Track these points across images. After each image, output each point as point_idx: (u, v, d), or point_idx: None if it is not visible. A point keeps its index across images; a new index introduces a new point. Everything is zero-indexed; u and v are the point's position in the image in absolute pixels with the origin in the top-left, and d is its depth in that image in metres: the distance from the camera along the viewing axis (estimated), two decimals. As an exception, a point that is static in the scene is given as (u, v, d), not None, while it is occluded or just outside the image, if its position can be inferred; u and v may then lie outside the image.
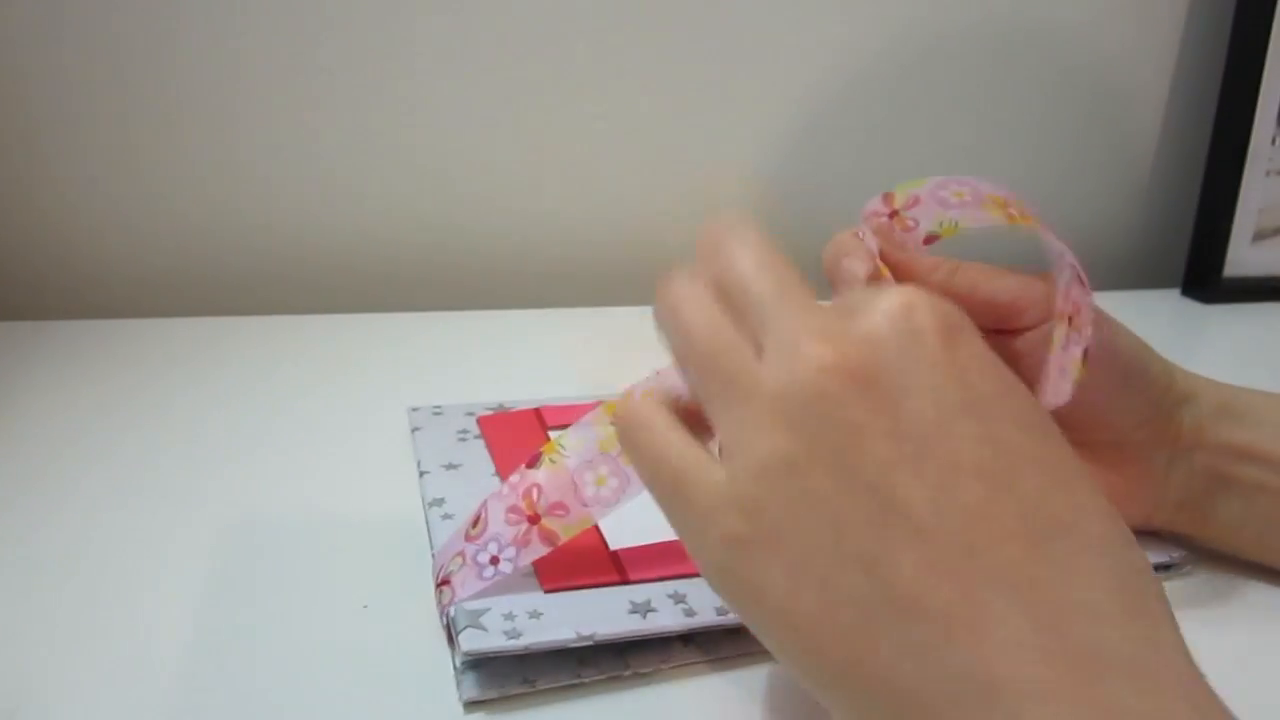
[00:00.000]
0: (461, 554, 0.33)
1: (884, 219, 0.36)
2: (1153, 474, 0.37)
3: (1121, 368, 0.35)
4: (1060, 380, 0.33)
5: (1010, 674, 0.20)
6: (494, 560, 0.32)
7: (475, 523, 0.33)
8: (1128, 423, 0.36)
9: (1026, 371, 0.34)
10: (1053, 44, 0.75)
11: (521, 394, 0.49)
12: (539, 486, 0.32)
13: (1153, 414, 0.36)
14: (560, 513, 0.32)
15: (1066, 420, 0.36)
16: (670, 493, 0.26)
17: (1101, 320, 0.35)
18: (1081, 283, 0.33)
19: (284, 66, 0.62)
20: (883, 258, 0.34)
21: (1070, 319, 0.33)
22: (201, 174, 0.63)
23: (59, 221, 0.63)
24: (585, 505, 0.32)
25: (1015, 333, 0.35)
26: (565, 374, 0.55)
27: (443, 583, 0.33)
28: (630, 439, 0.27)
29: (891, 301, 0.24)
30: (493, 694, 0.29)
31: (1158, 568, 0.38)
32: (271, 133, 0.63)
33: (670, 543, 0.31)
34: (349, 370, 0.55)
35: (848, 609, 0.22)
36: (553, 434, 0.43)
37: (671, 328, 0.27)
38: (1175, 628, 0.22)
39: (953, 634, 0.21)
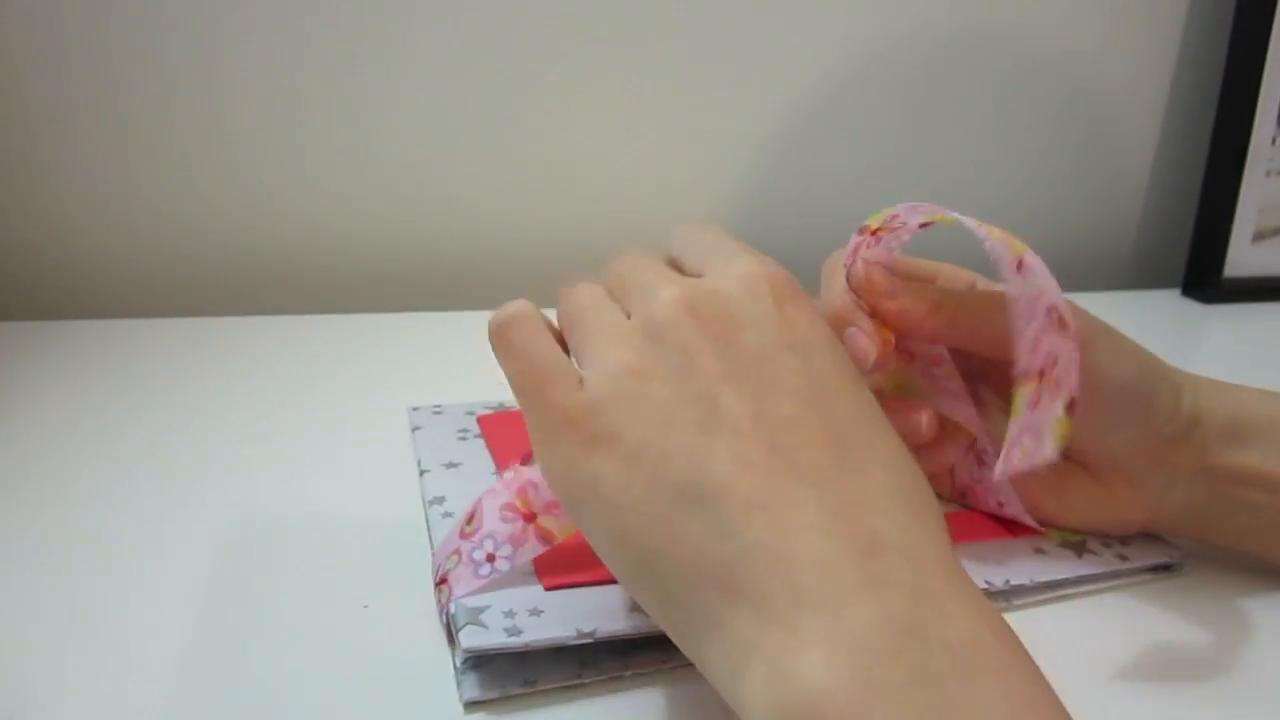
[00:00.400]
0: (457, 552, 0.32)
1: (868, 236, 0.35)
2: (1148, 494, 0.36)
3: (1119, 404, 0.34)
4: (1033, 443, 0.31)
5: (797, 549, 0.23)
6: (490, 558, 0.32)
7: (470, 519, 0.33)
8: (1122, 451, 0.36)
9: None
10: (1053, 46, 0.75)
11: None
12: (534, 484, 0.32)
13: (1152, 443, 0.35)
14: (556, 511, 0.32)
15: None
16: (534, 392, 0.28)
17: (1108, 348, 0.34)
18: (1062, 325, 0.31)
19: (283, 68, 0.62)
20: (872, 310, 0.35)
21: (1042, 373, 0.31)
22: (200, 175, 0.63)
23: (57, 222, 0.63)
24: None
25: None
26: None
27: (440, 581, 0.33)
28: (504, 335, 0.29)
29: (741, 267, 0.28)
30: (493, 694, 0.29)
31: (1157, 568, 0.38)
32: (271, 134, 0.63)
33: None
34: (349, 370, 0.54)
35: (667, 495, 0.25)
36: None
37: (563, 310, 0.31)
38: (946, 536, 0.25)
39: (752, 514, 0.24)
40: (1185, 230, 0.78)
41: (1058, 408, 0.31)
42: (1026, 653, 0.23)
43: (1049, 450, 0.31)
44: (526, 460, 0.32)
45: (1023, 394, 0.32)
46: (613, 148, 0.69)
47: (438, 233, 0.68)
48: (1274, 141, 0.74)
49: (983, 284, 0.37)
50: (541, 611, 0.31)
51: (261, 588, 0.35)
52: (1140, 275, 0.84)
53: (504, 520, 0.32)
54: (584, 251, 0.71)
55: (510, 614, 0.30)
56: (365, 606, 0.34)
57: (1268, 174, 0.75)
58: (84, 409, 0.48)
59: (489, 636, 0.29)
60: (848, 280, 0.36)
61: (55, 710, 0.29)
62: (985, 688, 0.21)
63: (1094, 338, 0.34)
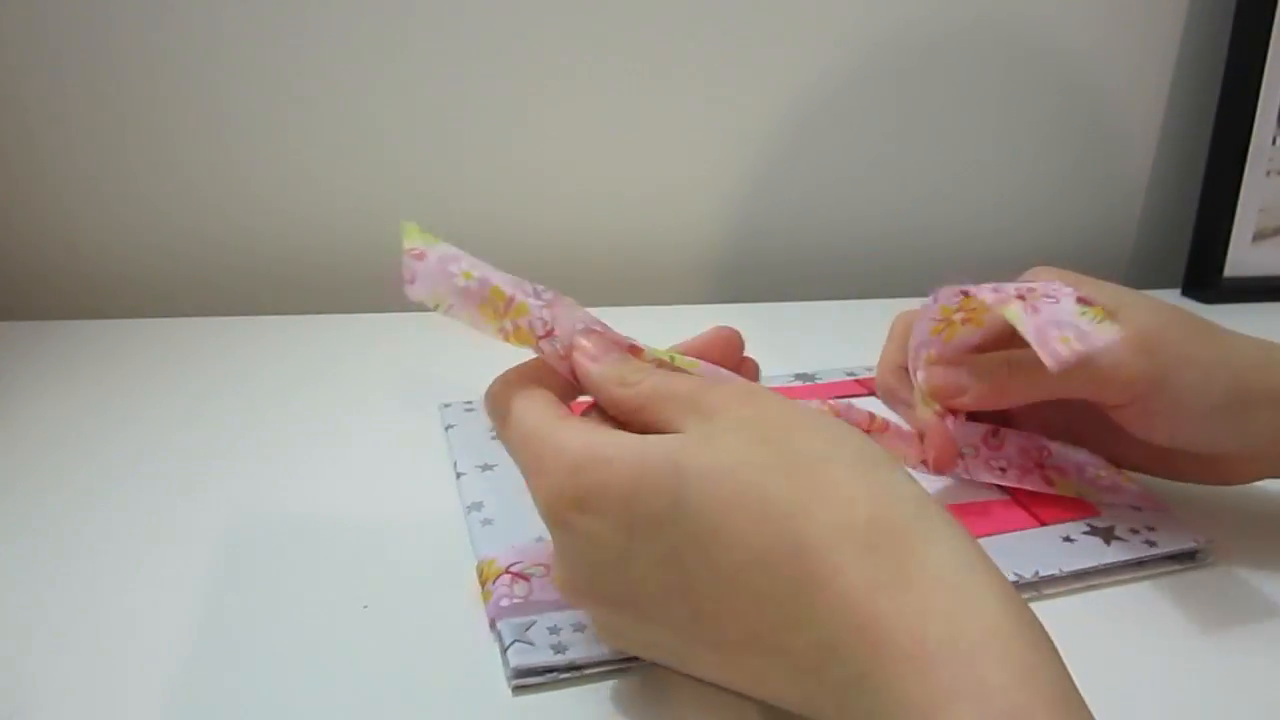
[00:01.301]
0: (546, 566, 0.33)
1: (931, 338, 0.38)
2: (1255, 465, 0.38)
3: (1208, 427, 0.36)
4: (1074, 334, 0.33)
5: (790, 697, 0.26)
6: None
7: None
8: (1222, 452, 0.37)
9: (1140, 425, 0.37)
10: (1053, 45, 0.75)
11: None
12: None
13: (1252, 444, 0.37)
14: None
15: (1130, 438, 0.37)
16: None
17: (1191, 378, 0.35)
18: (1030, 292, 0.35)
19: (284, 68, 0.62)
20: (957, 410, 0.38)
21: (1021, 296, 0.34)
22: (200, 175, 0.63)
23: (57, 222, 0.63)
24: None
25: (1118, 408, 0.37)
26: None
27: (518, 575, 0.33)
28: None
29: (542, 515, 0.28)
30: (538, 680, 0.30)
31: (1183, 556, 0.38)
32: (271, 134, 0.63)
33: None
34: (346, 370, 0.54)
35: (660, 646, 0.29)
36: None
37: None
38: (846, 569, 0.24)
39: (756, 685, 0.27)
40: (1185, 230, 0.78)
41: (1068, 306, 0.33)
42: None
43: (1103, 334, 0.33)
44: None
45: (1012, 311, 0.33)
46: (616, 148, 0.69)
47: (438, 233, 0.68)
48: (1274, 141, 0.74)
49: None
50: (585, 627, 0.32)
51: (262, 587, 0.35)
52: (1140, 275, 0.83)
53: None
54: (586, 251, 0.71)
55: (555, 630, 0.32)
56: (365, 607, 0.34)
57: (1268, 174, 0.75)
58: (84, 409, 0.48)
59: (536, 655, 0.31)
60: (922, 392, 0.38)
61: (55, 710, 0.29)
62: None
63: (1180, 368, 0.35)
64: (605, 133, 0.68)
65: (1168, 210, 0.82)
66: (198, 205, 0.64)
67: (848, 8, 0.69)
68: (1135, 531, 0.38)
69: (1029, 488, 0.40)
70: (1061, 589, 0.36)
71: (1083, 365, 0.34)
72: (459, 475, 0.41)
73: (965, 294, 0.36)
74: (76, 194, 0.62)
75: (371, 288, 0.68)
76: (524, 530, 0.36)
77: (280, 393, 0.51)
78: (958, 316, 0.38)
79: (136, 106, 0.61)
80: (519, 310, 0.31)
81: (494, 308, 0.31)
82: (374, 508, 0.40)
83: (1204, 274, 0.76)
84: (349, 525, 0.39)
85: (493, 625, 0.32)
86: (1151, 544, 0.38)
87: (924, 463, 0.39)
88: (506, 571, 0.33)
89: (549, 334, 0.31)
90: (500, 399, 0.31)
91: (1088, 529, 0.38)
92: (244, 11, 0.60)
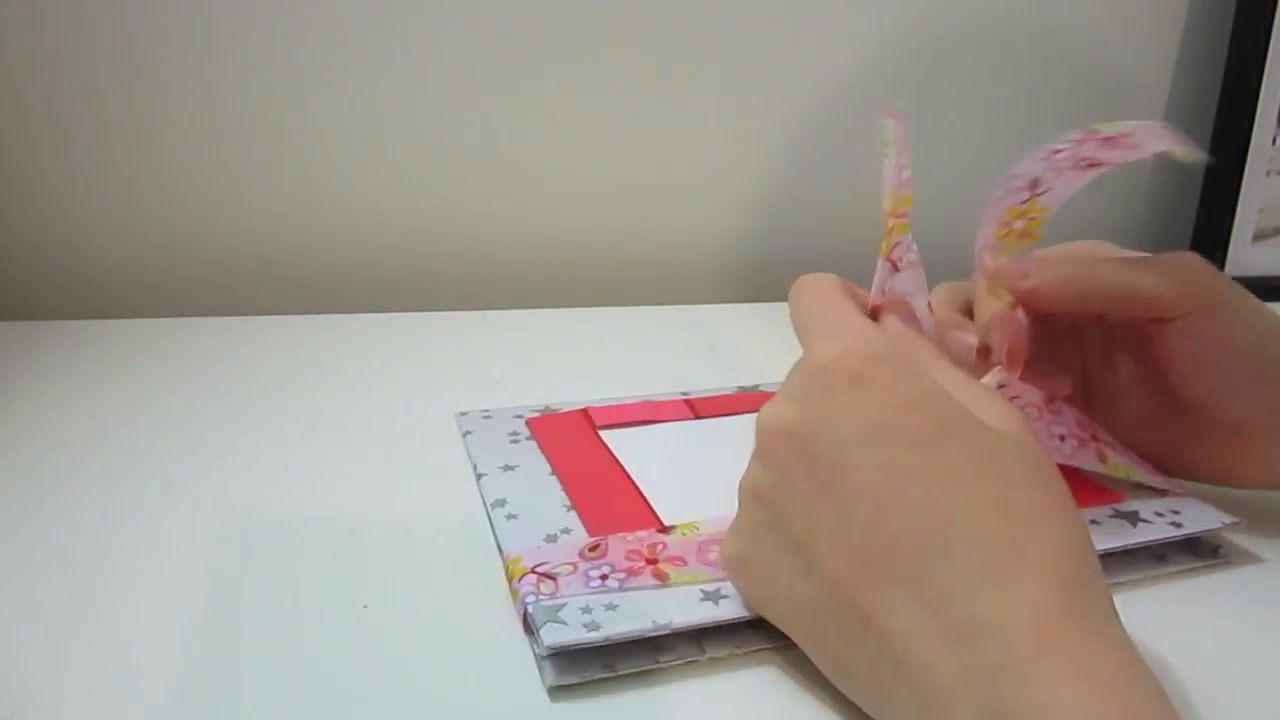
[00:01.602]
0: (573, 565, 0.34)
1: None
2: (1273, 454, 0.38)
3: (1237, 370, 0.37)
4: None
5: (906, 655, 0.26)
6: (604, 578, 0.34)
7: (594, 548, 0.35)
8: (1246, 415, 0.37)
9: (1182, 354, 0.37)
10: (1053, 44, 0.75)
11: (561, 395, 0.49)
12: (664, 544, 0.35)
13: (1262, 421, 0.37)
14: (679, 564, 0.34)
15: (1174, 403, 0.38)
16: None
17: (1228, 317, 0.36)
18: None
19: (284, 69, 0.62)
20: (1017, 296, 0.38)
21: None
22: (199, 175, 0.63)
23: (57, 222, 0.63)
24: (705, 565, 0.34)
25: (1169, 321, 0.37)
26: (600, 375, 0.55)
27: (545, 575, 0.34)
28: None
29: (809, 362, 0.30)
30: (574, 680, 0.31)
31: (1204, 549, 0.38)
32: (269, 135, 0.63)
33: None
34: (343, 371, 0.54)
35: (805, 611, 0.29)
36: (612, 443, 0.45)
37: None
38: (1046, 586, 0.25)
39: (870, 625, 0.27)
40: (1185, 230, 0.78)
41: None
42: (1126, 696, 0.23)
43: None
44: (664, 530, 0.37)
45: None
46: (624, 149, 0.69)
47: (439, 235, 0.68)
48: (1274, 141, 0.74)
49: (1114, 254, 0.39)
50: (617, 606, 0.32)
51: (260, 587, 0.35)
52: (1140, 275, 0.83)
53: (626, 558, 0.34)
54: (592, 251, 0.71)
55: (587, 610, 0.32)
56: (365, 607, 0.34)
57: (1268, 174, 0.75)
58: (84, 409, 0.48)
59: (569, 633, 0.31)
60: (981, 270, 0.39)
61: (55, 710, 0.29)
62: None
63: (1213, 304, 0.36)
64: (613, 133, 0.68)
65: (1168, 210, 0.82)
66: (198, 205, 0.64)
67: (855, 9, 0.69)
68: (1160, 515, 0.39)
69: (1081, 464, 0.40)
70: None
71: (1147, 266, 0.37)
72: (480, 476, 0.41)
73: (1033, 194, 0.39)
74: (76, 194, 0.62)
75: (371, 288, 0.68)
76: (549, 524, 0.37)
77: (280, 393, 0.51)
78: (1018, 225, 0.39)
79: (136, 106, 0.61)
80: (902, 227, 0.34)
81: (895, 199, 0.35)
82: (376, 506, 0.40)
83: (1204, 274, 0.76)
84: (351, 523, 0.39)
85: (523, 620, 0.32)
86: (1177, 525, 0.38)
87: (989, 367, 0.39)
88: (532, 571, 0.34)
89: (896, 266, 0.34)
90: (818, 284, 0.34)
91: (1113, 513, 0.39)
92: (243, 12, 0.60)
